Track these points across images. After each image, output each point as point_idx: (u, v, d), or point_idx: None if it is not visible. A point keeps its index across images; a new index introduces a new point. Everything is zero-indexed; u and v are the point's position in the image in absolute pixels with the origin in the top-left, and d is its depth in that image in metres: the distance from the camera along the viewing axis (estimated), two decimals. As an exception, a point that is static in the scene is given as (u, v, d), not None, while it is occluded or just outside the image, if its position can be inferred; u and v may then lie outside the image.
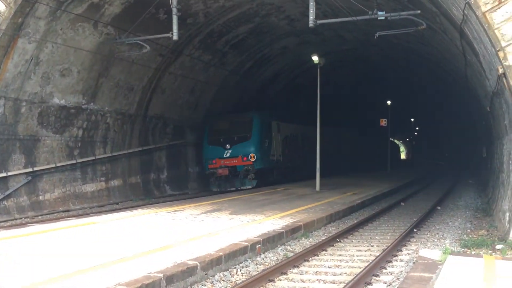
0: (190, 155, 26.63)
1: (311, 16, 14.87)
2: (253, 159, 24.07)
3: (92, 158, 20.28)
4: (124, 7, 17.59)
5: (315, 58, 22.59)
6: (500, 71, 10.41)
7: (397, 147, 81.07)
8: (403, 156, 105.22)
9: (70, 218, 15.48)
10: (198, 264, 8.16)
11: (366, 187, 24.38)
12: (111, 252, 8.84)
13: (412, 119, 72.84)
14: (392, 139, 76.55)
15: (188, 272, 7.88)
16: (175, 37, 16.25)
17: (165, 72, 22.19)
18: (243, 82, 27.98)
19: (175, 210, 14.92)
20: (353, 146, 45.71)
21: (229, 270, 8.96)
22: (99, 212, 17.46)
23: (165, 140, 24.52)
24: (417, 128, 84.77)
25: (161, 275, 7.31)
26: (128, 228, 11.58)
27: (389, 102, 42.45)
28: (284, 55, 27.98)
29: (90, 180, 20.39)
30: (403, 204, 20.22)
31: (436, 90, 42.54)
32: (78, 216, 16.74)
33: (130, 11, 17.65)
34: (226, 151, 24.09)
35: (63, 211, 18.42)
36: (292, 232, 11.85)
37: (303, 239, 11.96)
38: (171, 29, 16.25)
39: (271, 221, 12.72)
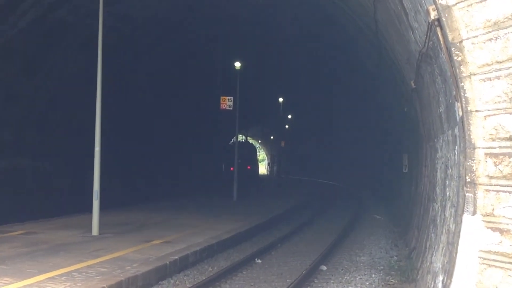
0: None
1: None
2: None
3: None
4: None
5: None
6: (433, 15, 10.93)
7: (253, 151, 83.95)
8: (263, 168, 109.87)
9: None
10: None
11: (191, 228, 25.09)
12: None
13: (281, 100, 76.01)
14: (244, 136, 79.36)
15: None
16: None
17: None
18: None
19: None
20: (167, 150, 46.57)
21: None
22: None
23: None
24: (289, 117, 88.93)
25: None
26: None
27: (238, 65, 43.32)
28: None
29: None
30: (259, 261, 20.90)
31: (324, 48, 44.84)
32: None
33: None
34: None
35: None
36: (33, 325, 11.50)
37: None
38: None
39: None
